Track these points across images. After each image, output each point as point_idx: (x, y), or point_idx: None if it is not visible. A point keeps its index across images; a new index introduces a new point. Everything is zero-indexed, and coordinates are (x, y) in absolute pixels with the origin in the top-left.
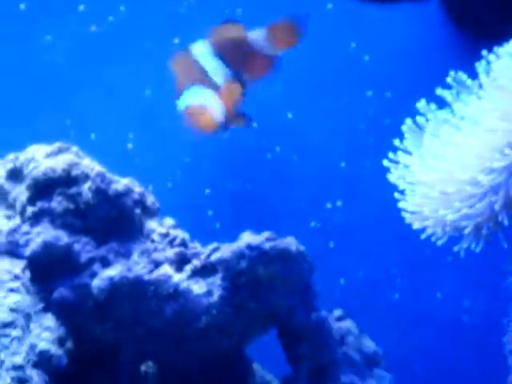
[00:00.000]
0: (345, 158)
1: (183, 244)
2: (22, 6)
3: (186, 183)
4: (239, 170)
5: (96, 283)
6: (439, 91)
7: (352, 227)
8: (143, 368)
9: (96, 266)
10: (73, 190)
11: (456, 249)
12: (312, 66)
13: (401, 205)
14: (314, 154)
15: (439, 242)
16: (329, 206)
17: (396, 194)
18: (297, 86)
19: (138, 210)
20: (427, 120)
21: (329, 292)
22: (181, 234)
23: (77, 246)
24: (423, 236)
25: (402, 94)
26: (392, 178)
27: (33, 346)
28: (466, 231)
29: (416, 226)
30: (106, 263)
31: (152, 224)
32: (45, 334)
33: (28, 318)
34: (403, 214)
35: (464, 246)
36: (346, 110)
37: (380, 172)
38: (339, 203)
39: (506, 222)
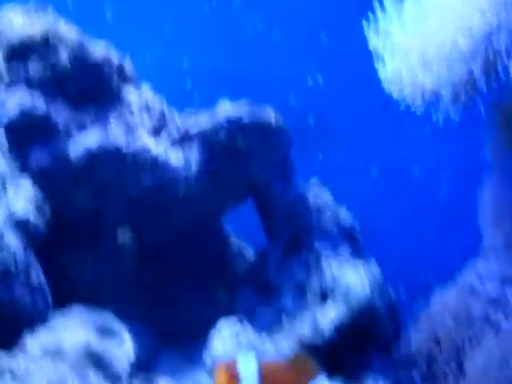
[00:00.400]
0: (326, 30)
1: (162, 114)
2: None
3: (167, 55)
4: (222, 45)
5: (75, 149)
6: None
7: (332, 105)
8: (123, 238)
9: (74, 132)
10: (50, 55)
11: (435, 118)
12: None
13: (380, 74)
14: (296, 27)
15: (418, 112)
16: (310, 82)
17: (376, 63)
18: None
19: (115, 77)
20: None
21: (308, 167)
22: (157, 104)
23: (54, 112)
24: (403, 106)
25: None
26: (372, 44)
27: (9, 211)
28: (445, 96)
29: (395, 94)
30: (82, 130)
31: (130, 92)
32: (22, 201)
33: (4, 181)
34: (383, 83)
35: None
36: None
37: (361, 45)
38: (320, 79)
39: (484, 88)
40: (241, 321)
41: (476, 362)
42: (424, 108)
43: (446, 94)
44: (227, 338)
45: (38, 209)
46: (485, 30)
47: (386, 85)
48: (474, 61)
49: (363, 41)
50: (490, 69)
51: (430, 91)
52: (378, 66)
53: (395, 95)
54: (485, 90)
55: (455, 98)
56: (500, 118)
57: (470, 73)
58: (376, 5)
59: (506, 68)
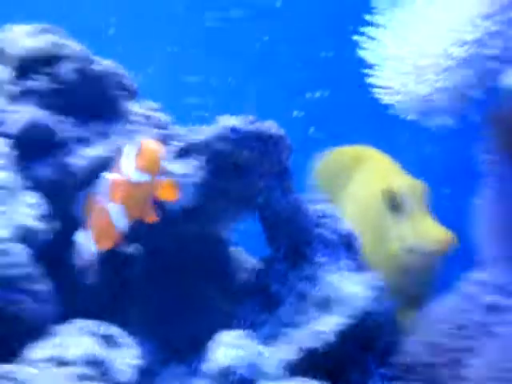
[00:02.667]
0: (327, 47)
1: (164, 126)
2: None
3: (171, 70)
4: (226, 58)
5: (77, 162)
6: None
7: (333, 115)
8: (131, 250)
9: (77, 146)
10: (56, 70)
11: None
12: None
13: (371, 80)
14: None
15: (409, 117)
16: (309, 95)
17: (367, 70)
18: None
19: (119, 92)
20: None
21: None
22: (162, 116)
23: (59, 125)
24: (391, 111)
25: None
26: (363, 52)
27: (17, 222)
28: (438, 104)
29: (386, 101)
30: (86, 143)
31: (133, 106)
32: (29, 210)
33: (12, 194)
34: (373, 89)
35: (435, 121)
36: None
37: (360, 61)
38: (319, 93)
39: (478, 96)
40: (243, 332)
41: (475, 368)
42: (417, 115)
43: (440, 101)
44: (229, 348)
45: (43, 218)
46: (477, 38)
47: (377, 93)
48: (467, 68)
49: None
50: (483, 76)
51: (423, 99)
52: (370, 74)
53: (385, 101)
54: (479, 98)
55: (448, 105)
56: (495, 126)
57: (463, 80)
58: (368, 15)
59: (498, 75)
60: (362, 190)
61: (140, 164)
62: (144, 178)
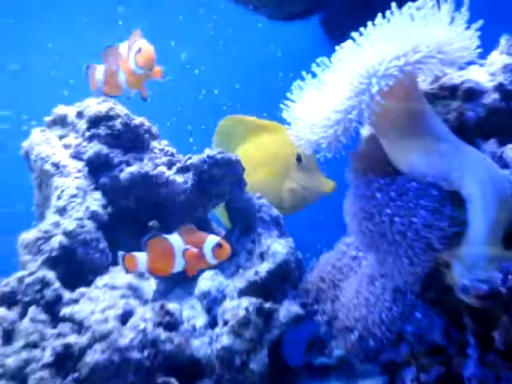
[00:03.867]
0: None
1: (172, 155)
2: None
3: (178, 124)
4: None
5: (123, 175)
6: (313, 67)
7: None
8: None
9: (123, 166)
10: (111, 123)
11: (318, 155)
12: None
13: (288, 132)
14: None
15: (307, 151)
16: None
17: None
18: None
19: (146, 135)
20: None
21: None
22: (171, 149)
23: (112, 154)
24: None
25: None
26: (285, 115)
27: (87, 208)
28: (323, 146)
29: (296, 143)
30: (128, 164)
31: (154, 143)
32: (94, 202)
33: (85, 193)
34: (291, 137)
35: (322, 154)
36: None
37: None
38: None
39: (343, 140)
40: (216, 272)
41: (345, 290)
42: (312, 149)
43: (324, 144)
44: (208, 280)
45: (103, 207)
46: (345, 108)
47: (292, 138)
48: (338, 125)
49: None
50: (347, 130)
51: (315, 143)
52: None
53: (296, 143)
54: (344, 142)
55: (328, 146)
56: (353, 158)
57: (336, 133)
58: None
59: (356, 130)
60: (278, 149)
61: (140, 61)
62: (142, 71)
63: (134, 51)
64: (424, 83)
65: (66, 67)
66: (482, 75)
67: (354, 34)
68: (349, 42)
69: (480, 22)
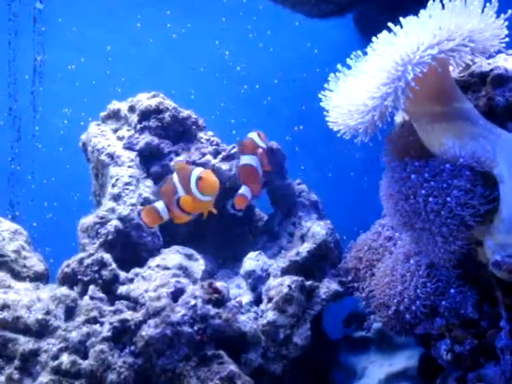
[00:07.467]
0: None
1: (217, 144)
2: None
3: (221, 117)
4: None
5: (172, 163)
6: (348, 60)
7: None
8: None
9: (172, 155)
10: (160, 116)
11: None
12: None
13: (327, 119)
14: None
15: (345, 136)
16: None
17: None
18: None
19: (194, 127)
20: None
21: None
22: (216, 139)
23: (162, 145)
24: (339, 134)
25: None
26: (323, 104)
27: (140, 195)
28: (360, 130)
29: (334, 129)
30: (177, 154)
31: (201, 134)
32: (147, 189)
33: (138, 180)
34: (328, 123)
35: (359, 139)
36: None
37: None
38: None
39: (380, 125)
40: (260, 253)
41: (381, 268)
42: (350, 135)
43: (361, 129)
44: (252, 260)
45: (153, 193)
46: (381, 95)
47: (329, 124)
48: (375, 111)
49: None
50: (383, 115)
51: (353, 128)
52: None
53: (334, 129)
54: (380, 126)
55: (365, 131)
56: (388, 142)
57: (373, 118)
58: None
59: (391, 115)
60: None
61: (203, 188)
62: (206, 198)
63: (194, 180)
64: (454, 72)
65: (118, 67)
66: (511, 63)
67: (390, 24)
68: (384, 33)
69: (510, 12)
